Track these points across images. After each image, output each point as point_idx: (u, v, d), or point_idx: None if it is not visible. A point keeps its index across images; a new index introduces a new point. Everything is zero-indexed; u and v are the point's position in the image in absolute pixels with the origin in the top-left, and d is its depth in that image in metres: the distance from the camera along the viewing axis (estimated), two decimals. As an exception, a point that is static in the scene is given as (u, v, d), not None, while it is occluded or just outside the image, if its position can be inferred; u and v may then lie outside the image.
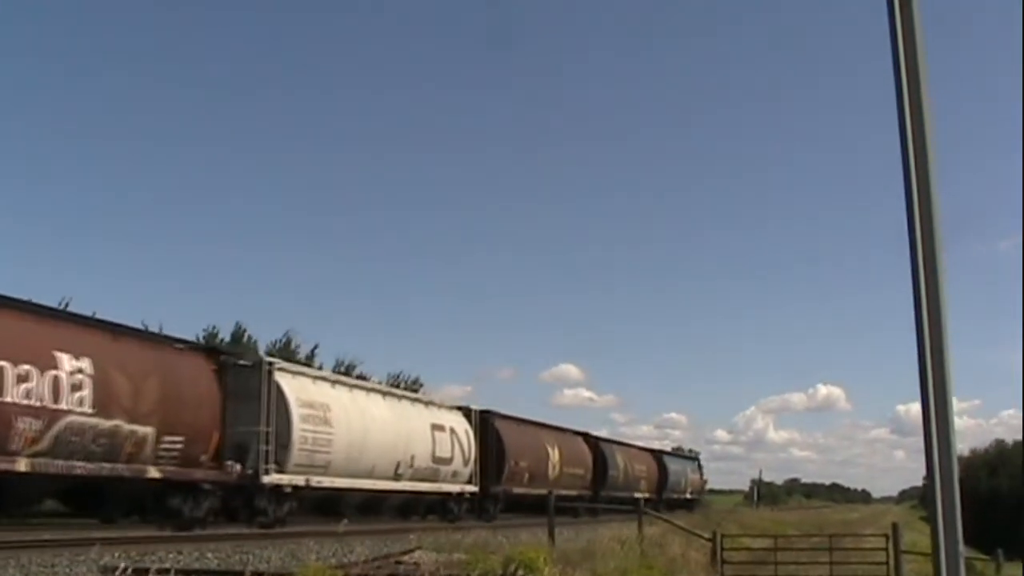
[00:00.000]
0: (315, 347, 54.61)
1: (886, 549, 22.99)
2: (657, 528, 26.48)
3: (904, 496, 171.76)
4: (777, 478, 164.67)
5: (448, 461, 34.58)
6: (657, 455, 67.09)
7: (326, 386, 29.00)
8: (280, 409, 25.50)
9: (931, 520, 3.90)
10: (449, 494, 34.82)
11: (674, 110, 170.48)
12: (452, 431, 35.51)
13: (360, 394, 31.16)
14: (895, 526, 23.85)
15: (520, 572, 11.55)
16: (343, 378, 33.41)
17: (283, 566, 13.29)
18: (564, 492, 41.21)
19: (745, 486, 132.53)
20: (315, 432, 26.70)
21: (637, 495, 53.21)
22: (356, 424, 29.16)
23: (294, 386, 26.67)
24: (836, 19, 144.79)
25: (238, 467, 23.66)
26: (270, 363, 26.70)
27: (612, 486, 51.74)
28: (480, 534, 20.11)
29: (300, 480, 25.93)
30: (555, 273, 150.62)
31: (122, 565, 11.37)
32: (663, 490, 63.42)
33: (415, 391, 53.93)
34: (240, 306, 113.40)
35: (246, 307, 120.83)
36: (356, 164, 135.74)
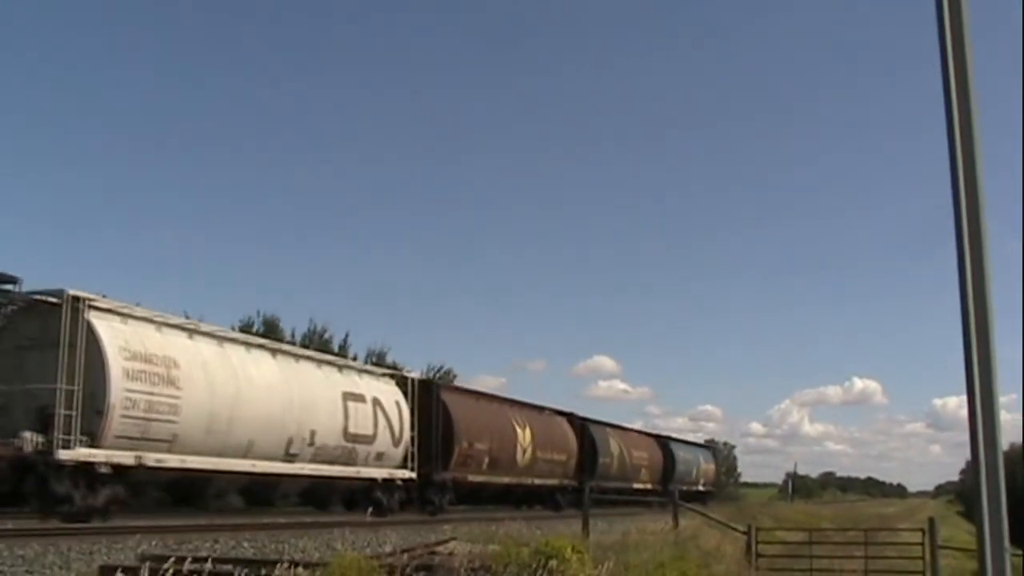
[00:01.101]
0: (347, 336, 54.95)
1: (922, 544, 22.78)
2: (692, 521, 26.39)
3: (940, 491, 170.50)
4: (812, 471, 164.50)
5: (369, 439, 27.71)
6: (663, 441, 60.18)
7: (177, 336, 22.11)
8: (93, 361, 19.29)
9: (976, 515, 3.85)
10: (374, 481, 28.11)
11: (705, 103, 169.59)
12: (377, 403, 28.44)
13: (235, 349, 24.02)
14: (931, 521, 23.62)
15: (552, 563, 11.51)
16: (213, 328, 24.38)
17: (319, 556, 13.35)
18: (539, 482, 38.72)
19: (780, 479, 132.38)
20: (151, 394, 20.25)
21: (637, 486, 50.63)
22: (222, 387, 22.45)
23: (118, 332, 20.20)
24: (859, 16, 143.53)
25: (32, 438, 18.45)
26: (79, 299, 19.75)
27: (603, 475, 45.51)
28: (512, 526, 20.09)
29: (126, 457, 19.76)
30: (590, 267, 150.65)
31: (159, 552, 11.45)
32: (669, 481, 56.20)
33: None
34: (277, 302, 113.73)
35: (284, 303, 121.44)
36: (392, 161, 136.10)
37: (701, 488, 64.30)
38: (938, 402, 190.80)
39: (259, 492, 25.36)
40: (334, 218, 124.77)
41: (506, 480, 36.16)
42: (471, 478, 33.81)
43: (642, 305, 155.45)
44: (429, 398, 31.84)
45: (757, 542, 23.80)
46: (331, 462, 26.36)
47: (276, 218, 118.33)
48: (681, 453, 61.67)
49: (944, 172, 4.01)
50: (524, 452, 37.46)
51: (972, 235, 3.79)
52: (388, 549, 13.44)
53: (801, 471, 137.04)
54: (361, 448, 27.47)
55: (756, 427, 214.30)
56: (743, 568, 21.58)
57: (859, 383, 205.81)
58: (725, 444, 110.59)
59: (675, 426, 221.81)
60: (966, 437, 3.81)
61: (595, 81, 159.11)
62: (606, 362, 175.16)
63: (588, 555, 12.72)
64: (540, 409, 43.14)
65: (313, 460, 25.69)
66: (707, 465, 69.43)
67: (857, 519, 52.97)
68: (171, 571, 9.42)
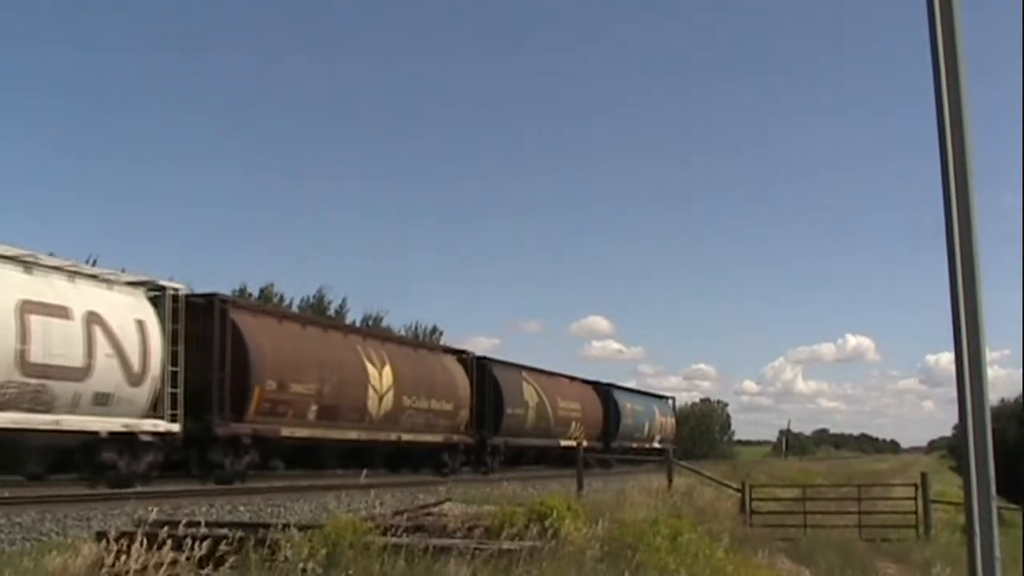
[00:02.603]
0: (344, 300, 55.02)
1: (915, 499, 22.96)
2: (687, 479, 26.56)
3: (933, 446, 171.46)
4: (806, 429, 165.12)
5: (77, 374, 18.59)
6: (603, 389, 49.46)
7: None
8: None
9: (963, 470, 3.87)
10: (96, 435, 19.04)
11: (701, 62, 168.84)
12: (94, 321, 19.19)
13: None
14: (924, 476, 23.81)
15: (546, 523, 11.59)
16: None
17: (313, 518, 13.43)
18: (410, 438, 30.42)
19: (774, 437, 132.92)
20: None
21: (564, 443, 41.51)
22: None
23: None
24: None
25: None
26: None
27: (513, 430, 37.42)
28: (509, 487, 20.17)
29: None
30: (584, 226, 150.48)
31: (155, 517, 11.49)
32: (612, 437, 48.08)
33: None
34: (271, 265, 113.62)
35: (277, 266, 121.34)
36: (384, 124, 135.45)
37: (657, 445, 54.25)
38: (931, 358, 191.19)
39: None
40: (326, 183, 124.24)
41: (352, 435, 27.44)
42: (286, 432, 24.82)
43: (636, 264, 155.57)
44: (210, 321, 23.00)
45: (751, 499, 23.96)
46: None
47: (270, 184, 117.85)
48: (628, 404, 51.79)
49: (934, 133, 4.00)
50: (381, 399, 28.71)
51: (959, 189, 3.79)
52: (383, 511, 13.50)
53: (795, 428, 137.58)
54: (60, 387, 18.28)
55: (750, 385, 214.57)
56: (738, 525, 21.76)
57: (852, 340, 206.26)
58: (719, 402, 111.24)
59: (669, 385, 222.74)
60: (957, 393, 3.82)
61: (591, 32, 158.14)
62: (600, 322, 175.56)
63: (583, 513, 12.81)
64: (414, 345, 35.96)
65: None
66: (664, 418, 59.19)
67: (851, 475, 53.28)
68: (167, 535, 9.46)
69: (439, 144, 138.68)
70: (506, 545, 10.26)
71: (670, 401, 64.70)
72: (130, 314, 20.27)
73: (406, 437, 30.17)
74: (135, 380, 19.91)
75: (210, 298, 23.78)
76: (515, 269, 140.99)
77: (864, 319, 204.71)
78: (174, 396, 20.80)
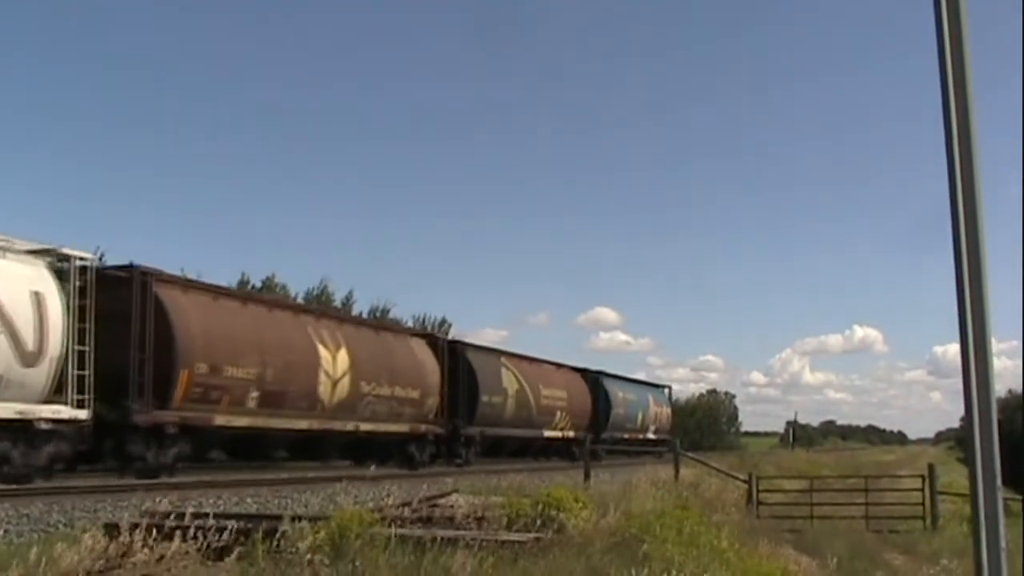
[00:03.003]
0: (350, 292, 54.99)
1: (922, 490, 22.96)
2: (693, 470, 26.57)
3: (941, 438, 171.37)
4: (813, 420, 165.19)
5: None
6: (592, 377, 46.31)
7: None
8: None
9: (969, 461, 3.86)
10: None
11: (710, 52, 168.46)
12: None
13: None
14: (931, 467, 23.79)
15: (553, 513, 11.62)
16: None
17: (321, 510, 13.45)
18: (371, 428, 27.59)
19: (781, 428, 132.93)
20: None
21: (548, 434, 39.60)
22: None
23: None
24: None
25: None
26: None
27: (489, 419, 34.45)
28: (516, 477, 20.19)
29: None
30: (589, 219, 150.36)
31: (162, 509, 11.53)
32: (602, 427, 45.04)
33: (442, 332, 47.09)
34: (275, 257, 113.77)
35: (281, 258, 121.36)
36: (394, 117, 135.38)
37: (651, 436, 51.99)
38: (939, 349, 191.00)
39: None
40: (331, 176, 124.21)
41: (301, 424, 24.81)
42: (221, 420, 22.35)
43: (643, 255, 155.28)
44: (129, 296, 20.47)
45: (758, 490, 23.97)
46: None
47: (274, 178, 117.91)
48: (620, 393, 48.66)
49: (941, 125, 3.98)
50: (335, 384, 25.92)
51: (965, 180, 3.78)
52: (390, 502, 13.52)
53: (802, 420, 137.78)
54: None
55: (757, 376, 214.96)
56: (745, 516, 21.78)
57: (860, 331, 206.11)
58: (726, 394, 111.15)
59: (676, 376, 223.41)
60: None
61: (601, 28, 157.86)
62: (607, 314, 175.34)
63: (590, 505, 12.82)
64: (376, 327, 32.12)
65: None
66: (659, 408, 55.45)
67: (858, 466, 53.35)
68: (175, 527, 9.50)
69: (447, 137, 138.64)
70: (513, 536, 10.28)
71: (666, 390, 61.14)
72: (25, 285, 17.74)
73: (365, 427, 27.33)
74: (29, 360, 17.49)
75: (129, 270, 21.05)
76: (523, 262, 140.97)
77: (872, 310, 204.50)
78: (82, 379, 18.17)
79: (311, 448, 26.55)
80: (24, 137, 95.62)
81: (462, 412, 32.69)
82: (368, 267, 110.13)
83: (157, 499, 14.49)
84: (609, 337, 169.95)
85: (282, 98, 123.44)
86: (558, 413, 40.33)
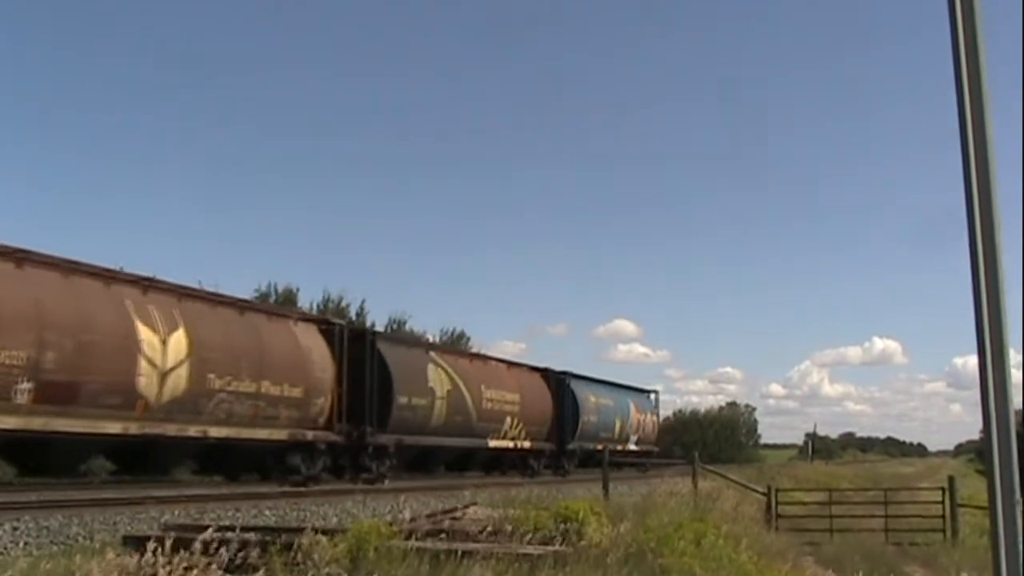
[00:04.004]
0: (363, 302, 54.89)
1: (942, 502, 22.84)
2: (712, 482, 26.48)
3: (960, 450, 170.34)
4: (832, 432, 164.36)
5: None
6: (556, 378, 39.27)
7: None
8: None
9: (988, 472, 3.86)
10: None
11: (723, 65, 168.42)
12: None
13: None
14: (951, 479, 23.70)
15: (570, 525, 11.62)
16: None
17: (339, 523, 13.48)
18: (228, 433, 21.50)
19: (799, 440, 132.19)
20: None
21: (495, 443, 33.24)
22: None
23: None
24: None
25: None
26: None
27: (409, 425, 28.21)
28: (534, 489, 20.20)
29: None
30: (610, 229, 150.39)
31: (181, 521, 11.58)
32: (568, 437, 38.51)
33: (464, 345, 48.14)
34: (292, 266, 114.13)
35: (298, 267, 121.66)
36: (407, 126, 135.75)
37: (633, 447, 45.27)
38: (959, 361, 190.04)
39: None
40: (349, 185, 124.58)
41: (112, 428, 18.97)
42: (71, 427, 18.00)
43: (662, 268, 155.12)
44: None
45: (777, 503, 23.90)
46: None
47: (289, 186, 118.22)
48: (592, 397, 41.48)
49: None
50: (164, 376, 20.06)
51: (981, 188, 3.78)
52: (408, 515, 13.54)
53: (821, 432, 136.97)
54: None
55: (776, 388, 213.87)
56: (763, 529, 21.70)
57: (879, 343, 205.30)
58: (746, 406, 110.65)
59: (695, 388, 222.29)
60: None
61: (619, 31, 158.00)
62: (626, 325, 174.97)
63: (606, 517, 12.80)
64: (240, 306, 23.78)
65: None
66: (642, 416, 48.28)
67: (877, 479, 53.05)
68: (197, 540, 9.53)
69: (465, 149, 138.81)
70: (529, 549, 10.28)
71: (652, 396, 53.61)
72: None
73: (217, 432, 21.28)
74: None
75: None
76: (541, 273, 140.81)
77: (891, 322, 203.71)
78: None
79: (135, 457, 21.38)
80: None
81: (371, 417, 26.39)
82: (383, 280, 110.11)
83: (176, 512, 14.57)
84: (628, 349, 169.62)
85: (288, 98, 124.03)
86: (508, 419, 34.05)
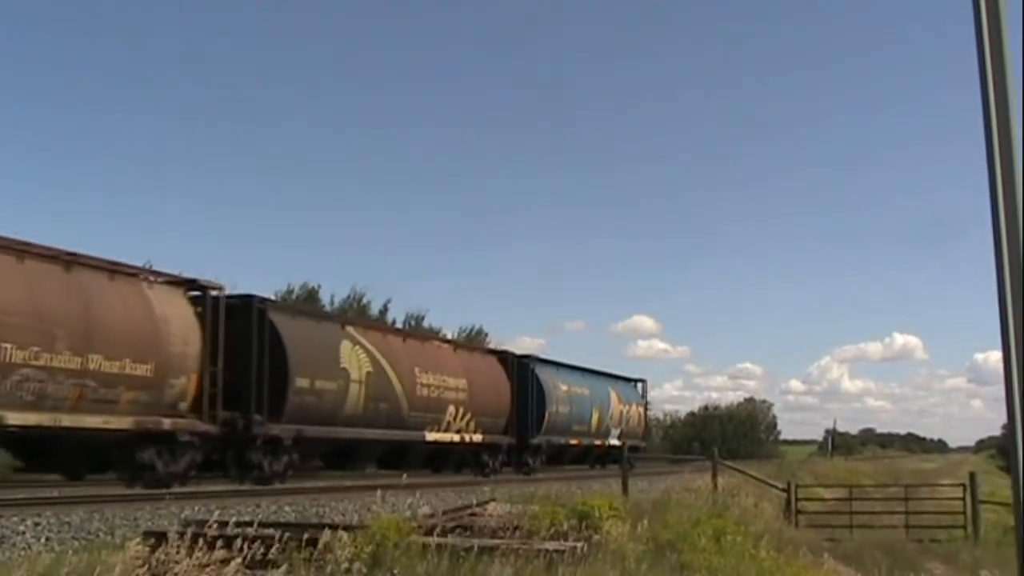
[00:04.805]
0: (387, 302, 55.00)
1: (963, 499, 22.73)
2: (732, 479, 26.44)
3: (982, 446, 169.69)
4: (852, 428, 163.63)
5: None
6: (517, 362, 34.27)
7: None
8: None
9: (1011, 469, 3.82)
10: None
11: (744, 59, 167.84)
12: None
13: None
14: (972, 476, 23.57)
15: (586, 522, 11.63)
16: None
17: (359, 518, 13.52)
18: (51, 420, 16.85)
19: (819, 436, 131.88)
20: None
21: (433, 437, 28.01)
22: None
23: None
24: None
25: None
26: None
27: (313, 414, 23.16)
28: (552, 486, 20.23)
29: None
30: (629, 225, 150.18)
31: (202, 517, 11.61)
32: (531, 430, 33.49)
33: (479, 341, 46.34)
34: (313, 265, 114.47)
35: (318, 265, 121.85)
36: (430, 122, 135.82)
37: (615, 442, 38.75)
38: (980, 356, 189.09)
39: None
40: (368, 183, 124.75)
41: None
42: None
43: (682, 264, 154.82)
44: None
45: (797, 499, 23.83)
46: None
47: (311, 185, 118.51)
48: (561, 385, 36.23)
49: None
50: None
51: (1005, 181, 3.74)
52: (427, 511, 13.56)
53: (841, 428, 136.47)
54: None
55: (796, 384, 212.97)
56: (783, 525, 21.65)
57: (900, 339, 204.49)
58: (764, 402, 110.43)
59: (715, 384, 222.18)
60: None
61: (632, 27, 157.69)
62: (645, 321, 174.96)
63: (625, 513, 12.80)
64: (66, 260, 18.09)
65: None
66: (625, 407, 42.53)
67: (897, 475, 52.90)
68: (217, 536, 9.58)
69: (483, 148, 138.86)
70: (548, 545, 10.28)
71: (639, 385, 46.92)
72: None
73: (20, 418, 16.61)
74: None
75: None
76: (560, 269, 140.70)
77: (912, 318, 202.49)
78: None
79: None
80: None
81: (260, 403, 21.75)
82: (401, 276, 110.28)
83: (196, 508, 14.63)
84: (647, 345, 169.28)
85: (302, 100, 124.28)
86: (451, 408, 28.85)
